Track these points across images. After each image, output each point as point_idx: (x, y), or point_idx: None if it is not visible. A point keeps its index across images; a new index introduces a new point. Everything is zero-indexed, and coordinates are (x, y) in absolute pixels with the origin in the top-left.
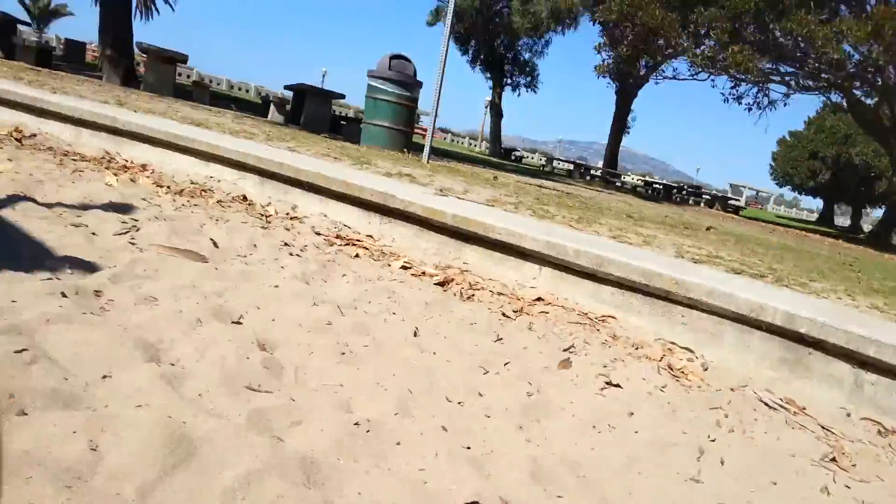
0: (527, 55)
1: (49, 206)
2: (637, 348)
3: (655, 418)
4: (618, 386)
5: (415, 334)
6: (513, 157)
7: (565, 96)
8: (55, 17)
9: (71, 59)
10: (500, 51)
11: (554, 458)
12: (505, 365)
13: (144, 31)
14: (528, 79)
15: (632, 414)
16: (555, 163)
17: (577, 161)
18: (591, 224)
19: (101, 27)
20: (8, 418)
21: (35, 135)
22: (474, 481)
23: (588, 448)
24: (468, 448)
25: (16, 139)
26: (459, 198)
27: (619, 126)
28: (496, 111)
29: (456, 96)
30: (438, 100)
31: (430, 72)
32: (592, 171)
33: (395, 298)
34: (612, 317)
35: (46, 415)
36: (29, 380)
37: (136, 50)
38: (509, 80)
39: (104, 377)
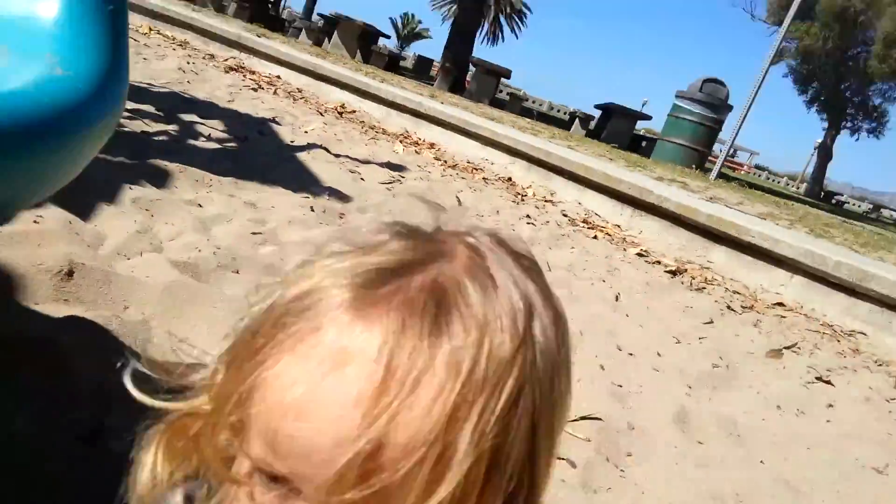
0: (878, 100)
1: (337, 156)
2: (880, 364)
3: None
4: (828, 383)
5: (616, 298)
6: (833, 202)
7: None
8: (417, 39)
9: (418, 71)
10: (845, 94)
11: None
12: (700, 339)
13: (491, 54)
14: (874, 124)
15: (831, 406)
16: (883, 211)
17: None
18: (878, 250)
19: (446, 44)
20: (224, 273)
21: (354, 111)
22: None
23: (759, 419)
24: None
25: (338, 112)
26: (727, 206)
27: None
28: (824, 152)
29: (781, 137)
30: (743, 120)
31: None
32: None
33: (614, 273)
34: (863, 333)
35: (251, 276)
36: (255, 253)
37: (470, 66)
38: (849, 124)
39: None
